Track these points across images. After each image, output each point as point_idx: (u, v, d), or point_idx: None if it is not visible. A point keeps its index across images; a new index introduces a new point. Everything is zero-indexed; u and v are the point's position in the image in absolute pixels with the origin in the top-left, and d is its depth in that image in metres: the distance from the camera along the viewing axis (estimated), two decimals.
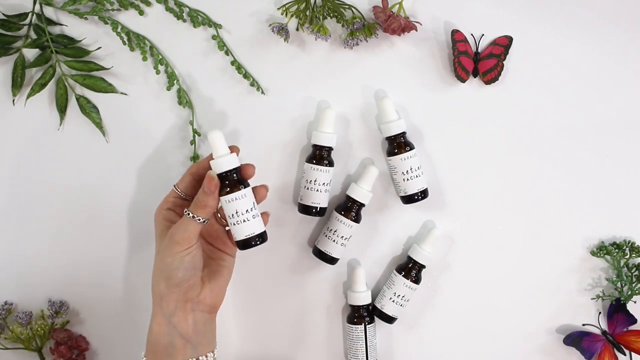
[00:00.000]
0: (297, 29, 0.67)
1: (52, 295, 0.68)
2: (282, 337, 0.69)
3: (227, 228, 0.62)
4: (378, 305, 0.66)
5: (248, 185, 0.57)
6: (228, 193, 0.56)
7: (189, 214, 0.56)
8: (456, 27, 0.67)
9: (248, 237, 0.57)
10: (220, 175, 0.56)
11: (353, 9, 0.66)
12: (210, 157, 0.57)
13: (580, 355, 0.68)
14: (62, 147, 0.67)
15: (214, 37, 0.67)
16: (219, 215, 0.62)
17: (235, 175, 0.56)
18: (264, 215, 0.60)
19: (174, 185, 0.60)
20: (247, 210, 0.56)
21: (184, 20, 0.67)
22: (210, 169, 0.57)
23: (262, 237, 0.57)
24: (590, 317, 0.69)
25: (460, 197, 0.68)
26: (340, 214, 0.65)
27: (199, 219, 0.56)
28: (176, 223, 0.57)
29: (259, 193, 0.60)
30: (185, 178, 0.60)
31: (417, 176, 0.65)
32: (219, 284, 0.60)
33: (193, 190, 0.60)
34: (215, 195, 0.56)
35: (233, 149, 0.58)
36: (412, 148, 0.65)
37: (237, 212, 0.56)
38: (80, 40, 0.67)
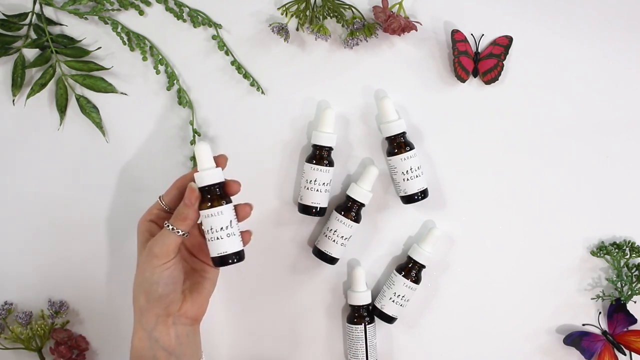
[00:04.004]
0: (297, 29, 0.67)
1: (52, 295, 0.68)
2: (282, 337, 0.69)
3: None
4: (378, 305, 0.67)
5: (230, 202, 0.56)
6: (207, 208, 0.55)
7: (169, 226, 0.55)
8: (456, 27, 0.67)
9: (220, 255, 0.55)
10: (202, 189, 0.55)
11: (353, 9, 0.66)
12: (196, 169, 0.56)
13: (580, 355, 0.68)
14: (62, 147, 0.67)
15: (214, 37, 0.67)
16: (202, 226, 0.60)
17: (217, 190, 0.55)
18: (246, 234, 0.58)
19: (159, 197, 0.59)
20: (221, 228, 0.55)
21: (184, 20, 0.67)
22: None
23: (237, 257, 0.56)
24: (590, 317, 0.69)
25: (460, 197, 0.68)
26: (340, 214, 0.65)
27: (179, 232, 0.55)
28: (155, 236, 0.56)
29: (242, 211, 0.58)
30: (171, 191, 0.59)
31: (417, 176, 0.65)
32: (201, 297, 0.59)
33: (178, 203, 0.58)
34: (196, 207, 0.55)
35: (221, 159, 0.57)
36: (412, 148, 0.65)
37: (212, 229, 0.55)
38: (80, 40, 0.67)
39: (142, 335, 0.56)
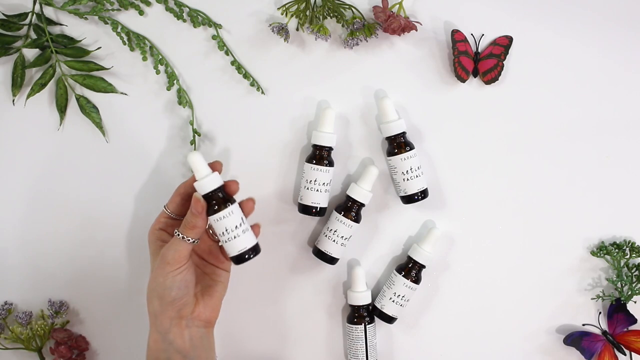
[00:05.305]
0: (297, 29, 0.67)
1: (52, 295, 0.68)
2: (282, 337, 0.69)
3: (220, 244, 0.62)
4: (378, 305, 0.67)
5: (234, 201, 0.57)
6: (216, 212, 0.56)
7: (179, 234, 0.56)
8: (456, 27, 0.67)
9: (241, 252, 0.57)
10: (205, 196, 0.56)
11: (353, 9, 0.66)
12: (194, 178, 0.57)
13: (580, 355, 0.68)
14: (62, 147, 0.67)
15: (214, 37, 0.67)
16: (211, 231, 0.62)
17: (220, 193, 0.57)
18: (255, 227, 0.60)
19: (164, 206, 0.61)
20: (236, 227, 0.56)
21: (184, 20, 0.67)
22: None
23: (255, 250, 0.58)
24: (590, 317, 0.69)
25: (460, 197, 0.68)
26: (340, 214, 0.65)
27: (189, 239, 0.56)
28: (167, 243, 0.57)
29: (247, 206, 0.59)
30: (174, 199, 0.60)
31: (417, 176, 0.65)
32: (214, 300, 0.60)
33: (183, 209, 0.60)
34: (203, 216, 0.56)
35: (215, 164, 0.58)
36: (412, 148, 0.65)
37: (227, 230, 0.56)
38: (80, 40, 0.67)
39: (156, 337, 0.58)
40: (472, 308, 0.69)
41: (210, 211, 0.56)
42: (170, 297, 0.56)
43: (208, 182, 0.56)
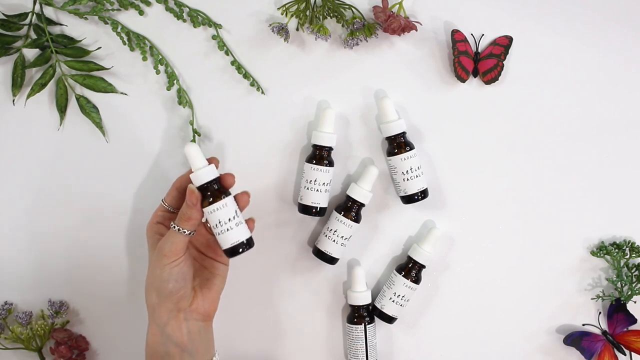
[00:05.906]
0: (297, 29, 0.67)
1: (52, 295, 0.68)
2: (282, 337, 0.69)
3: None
4: (378, 305, 0.67)
5: (229, 194, 0.58)
6: (210, 204, 0.56)
7: (174, 227, 0.57)
8: (456, 27, 0.67)
9: (234, 244, 0.57)
10: (200, 187, 0.57)
11: (353, 9, 0.66)
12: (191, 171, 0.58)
13: (580, 355, 0.68)
14: (62, 147, 0.67)
15: (214, 37, 0.67)
16: (209, 224, 0.62)
17: (215, 185, 0.57)
18: (250, 222, 0.60)
19: (162, 200, 0.61)
20: (229, 219, 0.57)
21: (184, 20, 0.67)
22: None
23: (248, 244, 0.58)
24: (590, 317, 0.69)
25: (460, 197, 0.68)
26: (340, 214, 0.65)
27: (185, 231, 0.56)
28: (164, 236, 0.58)
29: (242, 200, 0.60)
30: (171, 192, 0.61)
31: (417, 176, 0.65)
32: (212, 293, 0.60)
33: (179, 203, 0.60)
34: (198, 207, 0.56)
35: (212, 160, 0.59)
36: (412, 148, 0.65)
37: (220, 222, 0.57)
38: (80, 40, 0.67)
39: (155, 331, 0.58)
40: (472, 308, 0.69)
41: (205, 203, 0.57)
42: (168, 290, 0.56)
43: (203, 174, 0.57)
